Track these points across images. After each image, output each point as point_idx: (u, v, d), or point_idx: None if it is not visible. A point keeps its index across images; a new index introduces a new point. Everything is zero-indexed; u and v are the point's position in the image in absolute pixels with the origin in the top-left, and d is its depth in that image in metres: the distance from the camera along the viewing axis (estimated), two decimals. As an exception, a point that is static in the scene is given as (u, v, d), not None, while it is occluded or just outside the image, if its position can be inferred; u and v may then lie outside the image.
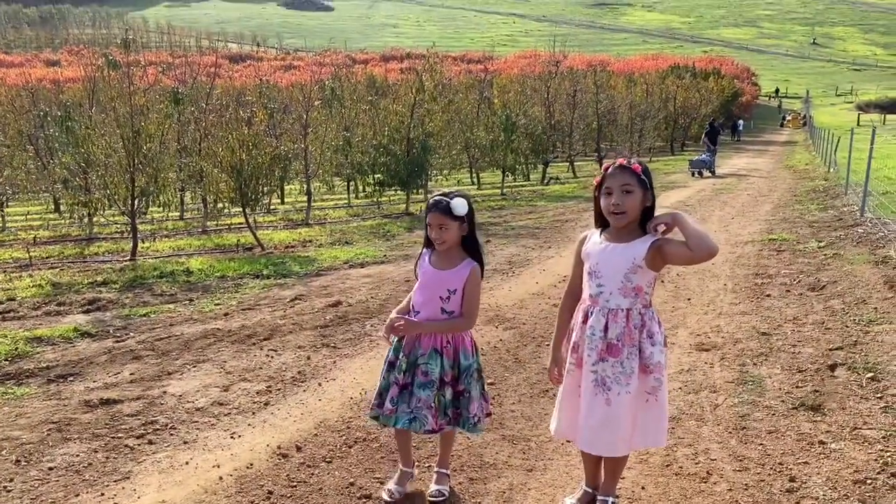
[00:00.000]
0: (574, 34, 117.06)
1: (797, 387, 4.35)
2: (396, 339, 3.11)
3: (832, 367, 4.64)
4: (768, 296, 6.70)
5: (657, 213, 2.78)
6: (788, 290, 6.88)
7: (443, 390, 3.01)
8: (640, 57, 76.63)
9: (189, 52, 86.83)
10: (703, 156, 23.24)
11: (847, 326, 5.54)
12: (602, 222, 2.82)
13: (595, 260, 2.76)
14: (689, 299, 6.71)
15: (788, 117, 57.71)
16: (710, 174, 22.22)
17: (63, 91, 30.61)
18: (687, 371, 4.71)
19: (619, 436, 2.72)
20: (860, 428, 3.74)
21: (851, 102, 67.70)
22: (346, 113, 18.49)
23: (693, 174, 22.25)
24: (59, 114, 10.96)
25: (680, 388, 4.39)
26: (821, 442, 3.60)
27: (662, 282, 7.44)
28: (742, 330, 5.60)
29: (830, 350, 4.99)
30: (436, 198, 2.98)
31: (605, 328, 2.72)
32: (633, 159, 2.73)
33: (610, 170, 2.74)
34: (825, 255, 8.47)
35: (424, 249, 3.13)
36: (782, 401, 4.15)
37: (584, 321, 2.79)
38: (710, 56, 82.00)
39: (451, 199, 2.95)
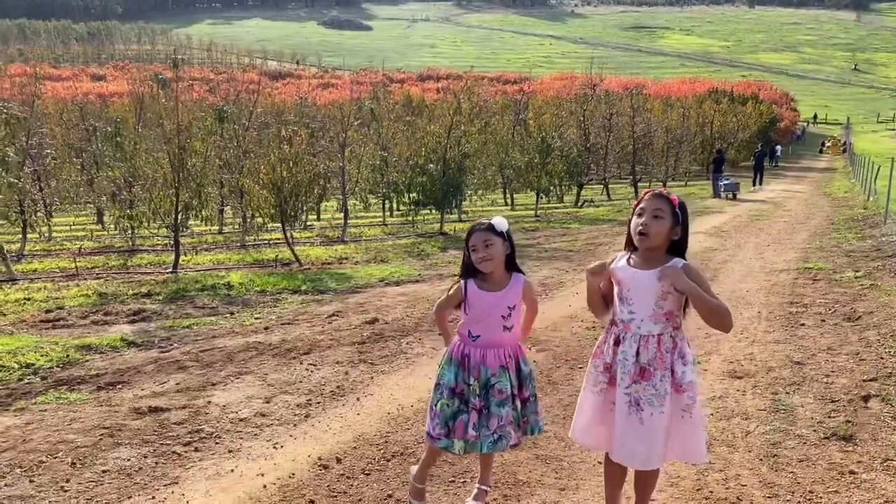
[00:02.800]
0: (611, 56, 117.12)
1: (829, 417, 4.38)
2: (454, 365, 3.18)
3: (865, 399, 4.66)
4: (803, 325, 6.70)
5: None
6: (823, 320, 6.87)
7: (515, 403, 3.12)
8: (678, 80, 76.33)
9: (230, 68, 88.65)
10: (731, 179, 23.71)
11: (882, 358, 5.53)
12: (631, 245, 2.94)
13: (626, 287, 2.87)
14: (722, 326, 6.73)
15: (828, 143, 56.96)
16: (724, 196, 22.75)
17: (108, 105, 31.53)
18: (719, 398, 4.76)
19: (652, 451, 2.82)
20: (892, 459, 3.77)
21: (894, 129, 66.58)
22: (383, 132, 18.79)
23: (726, 197, 22.49)
24: (109, 129, 11.35)
25: (712, 415, 4.45)
26: (851, 472, 3.64)
27: (696, 308, 7.47)
28: (775, 358, 5.62)
29: (864, 381, 5.00)
30: (474, 224, 3.14)
31: (637, 353, 2.82)
32: (675, 194, 2.86)
33: (648, 195, 2.87)
34: (862, 285, 8.42)
35: (465, 281, 3.16)
36: (814, 430, 4.18)
37: (616, 344, 2.90)
38: (749, 81, 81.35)
39: (492, 219, 3.12)
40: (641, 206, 2.86)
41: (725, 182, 23.34)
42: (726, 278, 9.19)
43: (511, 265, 3.17)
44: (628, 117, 27.07)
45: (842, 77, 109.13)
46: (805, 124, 70.06)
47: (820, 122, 74.69)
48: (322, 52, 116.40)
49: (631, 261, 2.91)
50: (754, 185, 27.77)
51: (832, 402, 4.64)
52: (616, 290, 2.93)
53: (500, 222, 3.10)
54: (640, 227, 2.82)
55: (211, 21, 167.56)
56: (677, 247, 2.87)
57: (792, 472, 3.66)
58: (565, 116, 24.50)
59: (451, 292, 3.23)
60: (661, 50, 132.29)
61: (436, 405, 3.16)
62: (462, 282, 3.17)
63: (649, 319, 2.81)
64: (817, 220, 16.14)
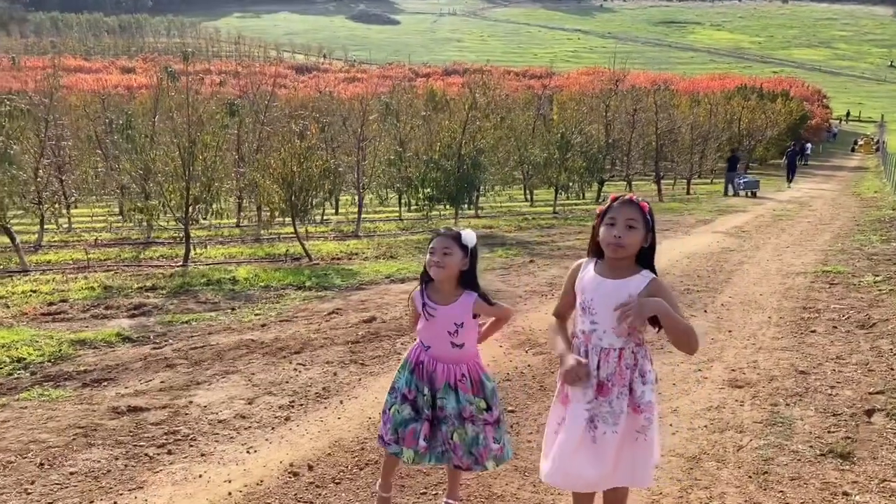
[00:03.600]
0: (640, 51, 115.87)
1: (829, 432, 4.18)
2: (408, 370, 3.08)
3: (869, 413, 4.44)
4: (813, 331, 6.47)
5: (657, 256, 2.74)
6: (835, 327, 6.62)
7: (463, 427, 2.98)
8: (707, 76, 75.08)
9: (257, 61, 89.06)
10: (749, 177, 24.52)
11: (892, 369, 5.30)
12: (597, 253, 2.77)
13: (590, 295, 2.70)
14: (729, 331, 6.54)
15: (860, 142, 55.77)
16: (744, 194, 23.22)
17: (135, 97, 31.78)
18: (715, 408, 4.57)
19: (600, 472, 2.65)
20: (890, 480, 3.57)
21: (929, 128, 64.93)
22: (401, 127, 18.68)
23: (746, 195, 22.80)
24: (121, 121, 11.36)
25: (705, 427, 4.27)
26: (845, 493, 3.44)
27: (705, 312, 7.27)
28: (780, 367, 5.41)
29: (870, 394, 4.78)
30: (444, 227, 3.01)
31: (598, 367, 2.66)
32: (641, 198, 2.69)
33: (617, 202, 2.69)
34: (880, 290, 8.14)
35: (420, 287, 3.08)
36: (811, 446, 3.99)
37: None
38: (780, 77, 79.92)
39: (462, 230, 2.99)
40: (611, 215, 2.68)
41: (745, 180, 23.74)
42: (740, 280, 8.94)
43: (466, 283, 3.02)
44: (653, 113, 26.66)
45: (877, 74, 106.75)
46: (838, 122, 68.67)
47: (853, 120, 73.15)
48: (349, 45, 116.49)
49: (596, 267, 2.74)
50: (788, 182, 28.37)
51: (834, 415, 4.43)
52: (579, 298, 2.77)
53: (469, 235, 2.97)
54: (614, 240, 2.64)
55: (240, 14, 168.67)
56: (646, 254, 2.71)
57: (781, 491, 3.47)
58: (586, 112, 24.21)
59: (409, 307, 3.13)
60: (691, 45, 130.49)
61: (389, 409, 3.08)
62: (418, 287, 3.06)
63: (612, 332, 2.65)
64: (842, 221, 15.74)
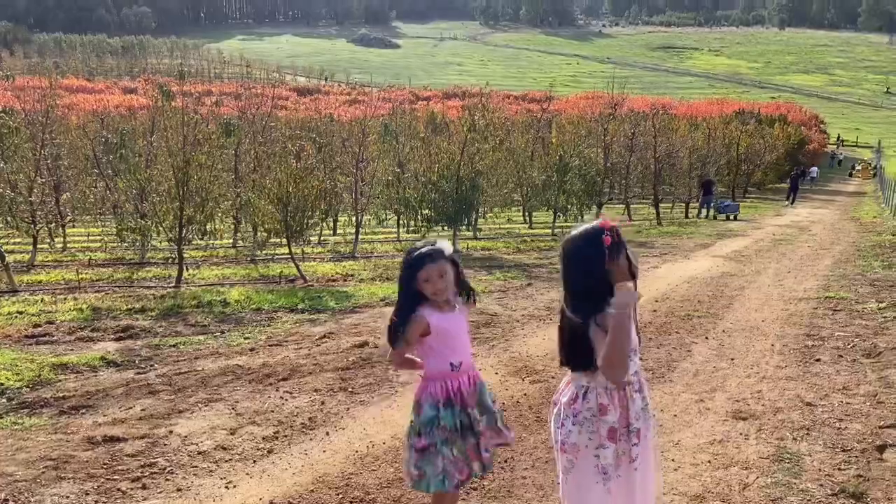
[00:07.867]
0: (638, 76, 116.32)
1: (839, 469, 3.98)
2: (449, 407, 2.91)
3: (881, 449, 4.25)
4: (818, 360, 6.28)
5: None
6: (841, 356, 6.43)
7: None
8: (705, 101, 75.29)
9: (259, 82, 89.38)
10: (730, 202, 25.94)
11: (902, 401, 5.11)
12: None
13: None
14: (732, 359, 6.34)
15: (858, 167, 55.84)
16: (723, 217, 24.38)
17: (135, 117, 31.75)
18: (719, 442, 4.38)
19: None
20: (906, 523, 3.37)
21: (927, 154, 65.02)
22: (400, 149, 18.60)
23: (727, 218, 23.98)
24: (115, 141, 11.22)
25: (708, 462, 4.07)
26: (859, 538, 3.25)
27: (707, 339, 7.09)
28: (785, 398, 5.22)
29: (881, 428, 4.58)
30: (421, 252, 2.81)
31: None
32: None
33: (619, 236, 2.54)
34: (885, 317, 7.96)
35: (420, 310, 2.82)
36: (821, 485, 3.79)
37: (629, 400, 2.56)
38: (778, 102, 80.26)
39: (435, 245, 2.85)
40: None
41: (725, 204, 25.11)
42: (741, 306, 8.76)
43: (462, 286, 2.97)
44: (652, 137, 26.61)
45: (873, 100, 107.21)
46: (837, 148, 68.74)
47: (849, 145, 73.24)
48: (350, 68, 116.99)
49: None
50: (789, 203, 30.38)
51: (843, 451, 4.23)
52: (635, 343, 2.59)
53: (447, 245, 2.88)
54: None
55: (243, 36, 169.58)
56: None
57: (791, 534, 3.28)
58: (585, 135, 24.18)
59: (411, 327, 2.88)
60: (689, 70, 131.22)
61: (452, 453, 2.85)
62: (414, 313, 2.84)
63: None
64: (842, 246, 15.58)
